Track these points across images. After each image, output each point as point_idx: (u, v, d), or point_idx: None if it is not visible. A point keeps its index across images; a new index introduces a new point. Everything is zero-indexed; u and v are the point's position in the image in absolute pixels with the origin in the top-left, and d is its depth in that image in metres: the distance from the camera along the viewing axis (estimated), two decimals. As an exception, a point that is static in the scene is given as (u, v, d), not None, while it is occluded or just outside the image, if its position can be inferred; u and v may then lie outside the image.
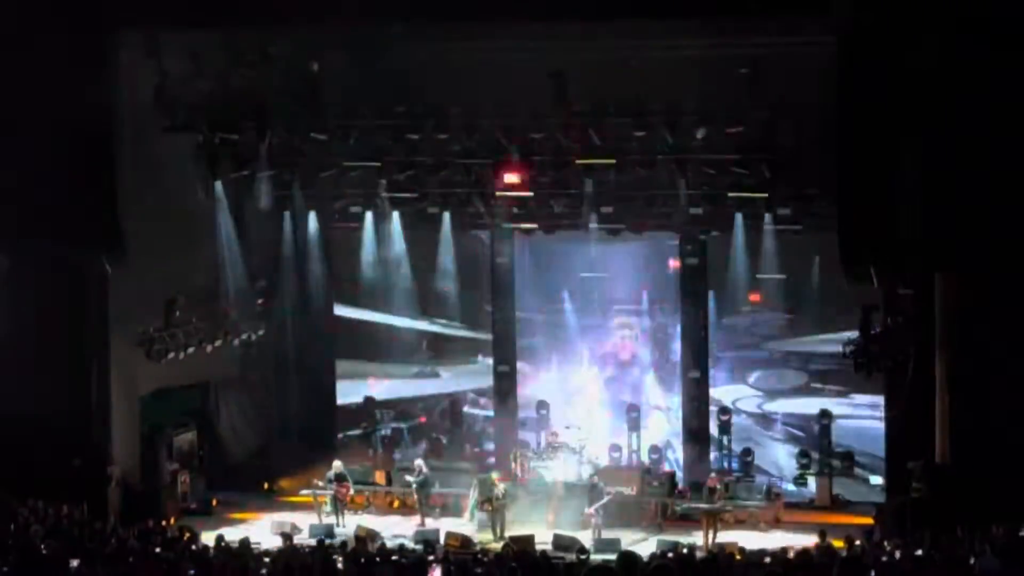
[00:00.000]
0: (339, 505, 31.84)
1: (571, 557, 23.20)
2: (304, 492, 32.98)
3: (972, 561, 19.73)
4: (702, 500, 30.64)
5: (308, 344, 37.62)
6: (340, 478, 32.10)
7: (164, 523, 29.04)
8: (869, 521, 29.92)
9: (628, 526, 30.85)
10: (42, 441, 28.72)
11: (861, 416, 35.59)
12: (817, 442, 35.39)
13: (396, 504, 33.33)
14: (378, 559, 21.76)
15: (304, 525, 30.44)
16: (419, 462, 32.90)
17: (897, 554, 22.65)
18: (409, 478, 32.33)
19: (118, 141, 29.39)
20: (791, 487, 34.34)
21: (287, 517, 31.11)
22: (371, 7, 28.11)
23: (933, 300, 28.01)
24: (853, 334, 30.73)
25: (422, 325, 38.74)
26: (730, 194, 32.55)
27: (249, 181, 33.55)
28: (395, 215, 35.17)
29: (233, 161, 32.96)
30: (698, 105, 30.47)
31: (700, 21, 28.95)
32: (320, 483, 32.15)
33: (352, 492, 32.40)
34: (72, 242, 28.97)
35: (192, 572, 19.08)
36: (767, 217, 32.95)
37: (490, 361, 37.87)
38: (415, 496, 32.06)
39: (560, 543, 27.98)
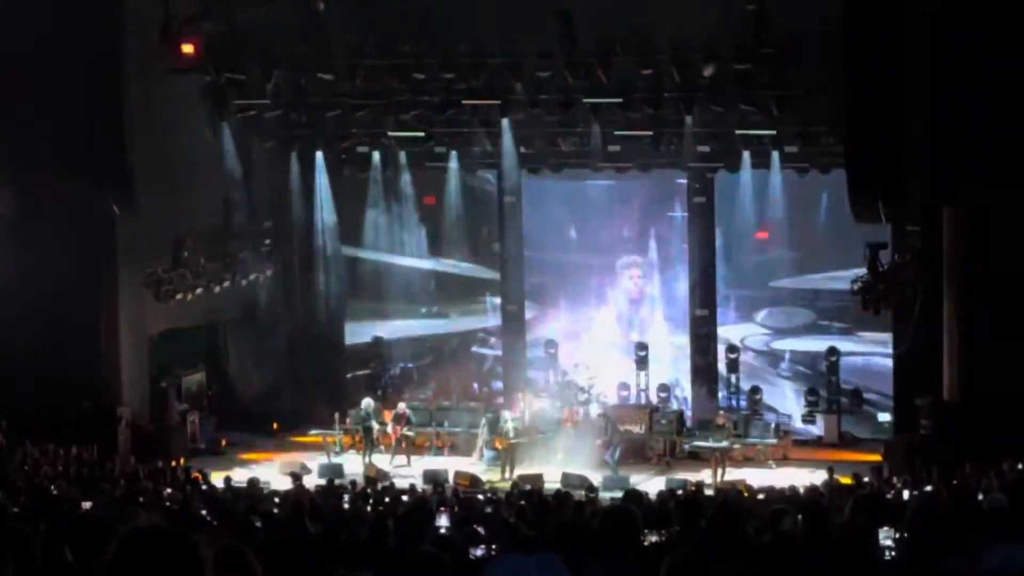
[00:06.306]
0: (371, 443, 31.84)
1: (580, 495, 23.20)
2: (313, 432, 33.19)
3: (980, 498, 19.72)
4: (710, 438, 30.73)
5: (316, 284, 37.60)
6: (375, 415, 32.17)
7: (173, 464, 29.12)
8: (877, 458, 29.96)
9: (637, 464, 31.06)
10: (52, 383, 28.78)
11: (869, 353, 35.64)
12: (825, 379, 35.44)
13: (405, 444, 33.38)
14: (387, 499, 21.81)
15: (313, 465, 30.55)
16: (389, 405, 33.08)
17: (905, 492, 22.66)
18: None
19: (125, 82, 29.34)
20: (799, 424, 34.41)
21: (296, 457, 31.19)
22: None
23: (940, 236, 27.91)
24: (861, 271, 30.70)
25: (429, 265, 38.78)
26: (737, 131, 32.47)
27: (256, 121, 33.50)
28: (402, 155, 35.20)
29: (240, 101, 32.87)
30: (705, 42, 30.29)
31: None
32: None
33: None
34: (80, 183, 28.97)
35: (202, 512, 19.10)
36: (774, 155, 32.91)
37: (498, 301, 37.90)
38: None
39: (569, 481, 28.06)
